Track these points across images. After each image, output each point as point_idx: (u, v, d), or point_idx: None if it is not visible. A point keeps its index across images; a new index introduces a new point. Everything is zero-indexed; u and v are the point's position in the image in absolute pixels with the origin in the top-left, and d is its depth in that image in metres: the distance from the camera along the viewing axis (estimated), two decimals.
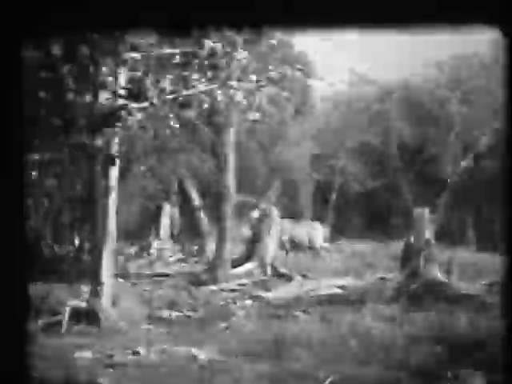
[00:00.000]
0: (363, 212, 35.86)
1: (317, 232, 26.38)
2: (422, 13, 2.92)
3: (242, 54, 13.25)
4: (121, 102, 11.70)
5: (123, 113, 11.42)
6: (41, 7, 3.00)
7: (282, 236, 25.28)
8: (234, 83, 16.26)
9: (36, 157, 11.59)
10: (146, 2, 3.09)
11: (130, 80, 13.69)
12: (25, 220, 3.24)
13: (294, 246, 26.10)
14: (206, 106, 18.45)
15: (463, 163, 30.57)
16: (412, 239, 18.26)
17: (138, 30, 8.83)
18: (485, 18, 2.91)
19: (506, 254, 2.99)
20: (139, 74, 13.31)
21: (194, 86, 14.54)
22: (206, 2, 3.09)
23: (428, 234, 18.36)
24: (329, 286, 19.49)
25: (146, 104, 13.05)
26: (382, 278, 20.12)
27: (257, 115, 22.87)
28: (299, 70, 22.34)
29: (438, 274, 17.78)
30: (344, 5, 2.94)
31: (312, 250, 26.05)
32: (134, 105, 12.29)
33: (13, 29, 2.99)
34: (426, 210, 18.90)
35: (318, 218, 30.85)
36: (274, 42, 20.54)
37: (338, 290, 18.85)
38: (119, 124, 11.58)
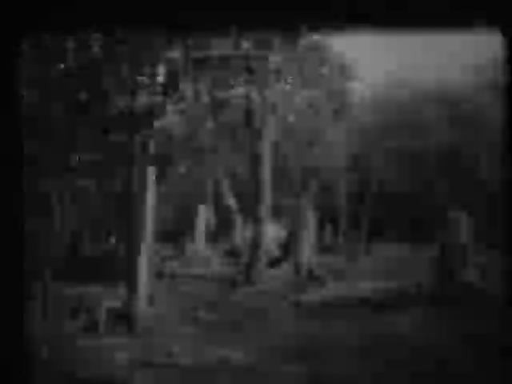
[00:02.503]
0: (400, 214, 35.64)
1: (269, 234, 26.00)
2: (423, 14, 2.94)
3: (275, 58, 13.29)
4: (158, 99, 11.79)
5: (159, 111, 11.50)
6: (41, 7, 3.05)
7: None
8: (270, 85, 16.30)
9: (75, 157, 11.73)
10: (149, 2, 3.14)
11: (168, 81, 13.79)
12: (23, 217, 3.30)
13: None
14: (242, 107, 18.50)
15: (501, 166, 30.26)
16: (448, 243, 18.13)
17: (141, 30, 8.88)
18: (485, 18, 2.92)
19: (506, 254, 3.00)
20: (177, 74, 13.40)
21: (231, 87, 14.62)
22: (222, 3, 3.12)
23: (464, 237, 18.21)
24: (364, 289, 19.42)
25: (183, 105, 13.14)
26: (417, 282, 20.00)
27: (292, 117, 22.90)
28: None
29: (474, 279, 17.63)
30: (349, 7, 2.97)
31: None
32: (171, 106, 12.38)
33: (12, 28, 3.05)
34: (463, 213, 18.75)
35: (354, 219, 30.77)
36: (309, 43, 20.54)
37: (374, 293, 18.77)
38: (156, 122, 11.68)
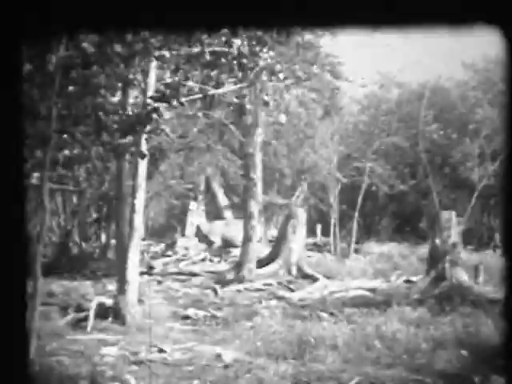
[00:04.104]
0: (391, 214, 35.70)
1: None
2: (420, 13, 2.91)
3: (268, 54, 13.25)
4: (150, 102, 11.72)
5: (154, 114, 11.44)
6: (41, 7, 3.02)
7: (212, 236, 25.37)
8: (262, 83, 16.25)
9: (66, 154, 11.67)
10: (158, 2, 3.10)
11: (160, 79, 13.76)
12: (25, 216, 3.26)
13: (226, 245, 26.00)
14: (234, 105, 18.47)
15: (492, 167, 30.32)
16: (439, 242, 18.15)
17: (147, 30, 8.83)
18: (485, 17, 2.89)
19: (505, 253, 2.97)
20: (168, 72, 13.37)
21: (222, 84, 14.57)
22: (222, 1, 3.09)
23: (455, 237, 18.24)
24: (354, 287, 19.44)
25: (174, 103, 13.08)
26: (408, 281, 20.04)
27: (284, 117, 22.86)
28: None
29: (465, 278, 17.66)
30: (342, 4, 2.94)
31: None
32: (163, 104, 12.32)
33: (11, 29, 3.02)
34: (453, 213, 18.78)
35: (344, 219, 30.77)
36: (301, 42, 20.54)
37: (364, 292, 18.80)
38: (149, 124, 11.63)
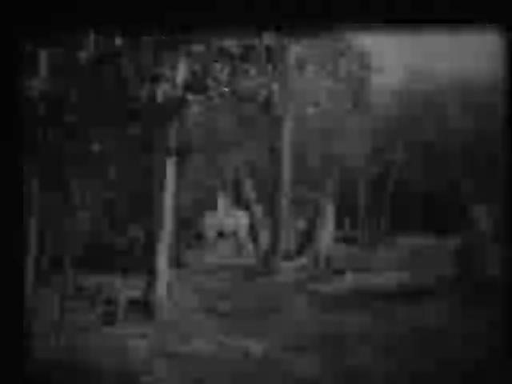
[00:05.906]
0: (422, 207, 35.47)
1: (240, 221, 26.06)
2: (422, 13, 2.89)
3: (297, 48, 13.22)
4: (179, 93, 11.74)
5: (181, 105, 11.46)
6: (41, 7, 3.02)
7: (207, 229, 25.37)
8: (291, 75, 16.19)
9: (96, 148, 11.74)
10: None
11: (189, 72, 13.76)
12: (23, 211, 3.26)
13: (221, 236, 25.99)
14: (262, 98, 18.42)
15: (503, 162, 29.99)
16: (470, 235, 18.02)
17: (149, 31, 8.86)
18: (485, 18, 2.87)
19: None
20: (198, 65, 13.37)
21: (251, 78, 14.55)
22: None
23: (487, 229, 18.08)
24: (383, 280, 19.36)
25: (202, 97, 13.10)
26: (440, 274, 19.92)
27: (312, 109, 22.79)
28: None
29: (497, 271, 17.52)
30: (346, 5, 2.92)
31: (236, 239, 25.88)
32: (192, 97, 12.33)
33: (12, 28, 3.02)
34: (485, 206, 18.62)
35: (374, 213, 30.64)
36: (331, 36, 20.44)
37: (393, 285, 18.71)
38: (177, 116, 11.65)
